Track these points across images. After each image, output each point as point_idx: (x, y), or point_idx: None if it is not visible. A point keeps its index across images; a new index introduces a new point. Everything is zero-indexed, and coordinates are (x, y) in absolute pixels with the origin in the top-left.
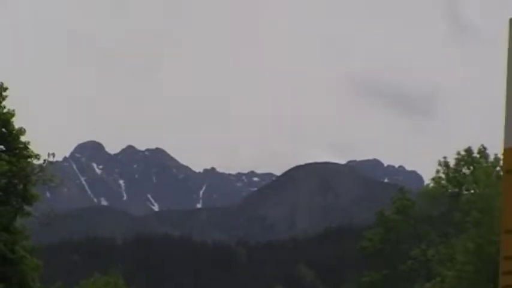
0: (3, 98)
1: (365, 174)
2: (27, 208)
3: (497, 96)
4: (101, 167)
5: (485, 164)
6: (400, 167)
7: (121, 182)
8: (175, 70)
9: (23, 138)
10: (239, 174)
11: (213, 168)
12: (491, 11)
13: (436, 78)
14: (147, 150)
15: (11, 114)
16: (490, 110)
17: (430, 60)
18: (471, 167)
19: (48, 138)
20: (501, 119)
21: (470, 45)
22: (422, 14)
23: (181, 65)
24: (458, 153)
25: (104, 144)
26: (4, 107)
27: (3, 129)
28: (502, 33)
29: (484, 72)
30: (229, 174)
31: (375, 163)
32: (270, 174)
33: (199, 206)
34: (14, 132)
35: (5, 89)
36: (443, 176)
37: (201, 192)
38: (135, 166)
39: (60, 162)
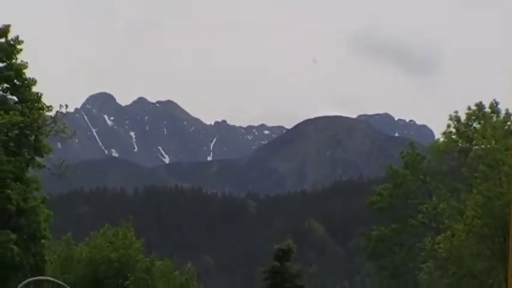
0: (18, 52)
1: (375, 128)
2: (38, 159)
3: (505, 51)
4: (112, 118)
5: (495, 119)
6: (410, 121)
7: (132, 133)
8: (185, 22)
9: (34, 89)
10: (250, 127)
11: (224, 121)
12: None
13: (440, 34)
14: (158, 102)
15: (24, 65)
16: (501, 65)
17: (434, 15)
18: (482, 122)
19: (59, 90)
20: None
21: (474, 6)
22: None
23: (192, 16)
24: (469, 108)
25: (115, 96)
26: (17, 59)
27: (16, 81)
28: None
29: (491, 29)
30: (240, 127)
31: (386, 117)
32: (281, 128)
33: (209, 158)
34: (26, 82)
35: (20, 42)
36: (454, 130)
37: (212, 145)
38: (146, 118)
39: (72, 113)
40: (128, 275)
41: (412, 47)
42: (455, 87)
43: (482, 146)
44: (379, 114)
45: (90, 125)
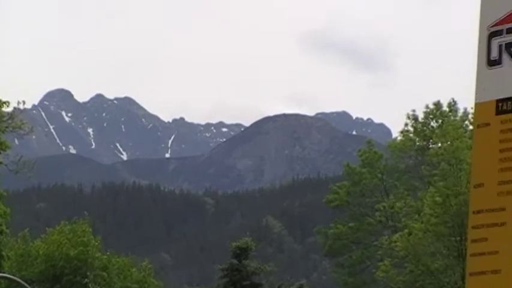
0: None
1: (333, 126)
2: None
3: (458, 51)
4: (69, 115)
5: (453, 118)
6: (368, 119)
7: (90, 130)
8: (144, 17)
9: None
10: (208, 125)
11: (181, 118)
12: None
13: (390, 31)
14: (116, 99)
15: None
16: (455, 63)
17: (382, 12)
18: (440, 121)
19: (17, 86)
20: (473, 73)
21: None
22: None
23: (150, 12)
24: (427, 107)
25: (73, 92)
26: None
27: None
28: None
29: (447, 25)
30: (198, 125)
31: (344, 115)
32: (239, 125)
33: (167, 155)
34: None
35: None
36: (411, 129)
37: (170, 142)
38: (104, 115)
39: (29, 109)
40: (88, 273)
41: (365, 45)
42: (411, 86)
43: (440, 145)
44: (337, 112)
45: (47, 122)
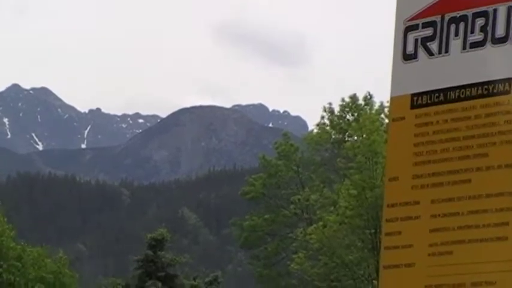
0: None
1: (250, 119)
2: None
3: (375, 45)
4: None
5: (369, 112)
6: (285, 112)
7: (5, 120)
8: (59, 7)
9: None
10: (124, 116)
11: (98, 109)
12: None
13: (306, 25)
14: (33, 89)
15: None
16: (372, 58)
17: (297, 6)
18: (355, 114)
19: None
20: (389, 67)
21: None
22: None
23: (65, 2)
24: (343, 100)
25: None
26: None
27: None
28: None
29: (358, 22)
30: (115, 115)
31: (260, 108)
32: (156, 116)
33: (83, 146)
34: None
35: None
36: (327, 122)
37: (86, 132)
38: (19, 104)
39: None
40: (1, 262)
41: (280, 38)
42: (328, 79)
43: (356, 138)
44: (253, 105)
45: None
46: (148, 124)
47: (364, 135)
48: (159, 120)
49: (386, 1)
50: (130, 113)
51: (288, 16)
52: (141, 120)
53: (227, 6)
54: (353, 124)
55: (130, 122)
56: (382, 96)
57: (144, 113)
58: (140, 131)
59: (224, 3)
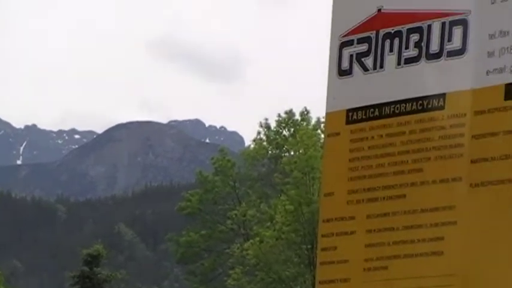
0: None
1: (187, 134)
2: None
3: (311, 61)
4: None
5: (306, 127)
6: (221, 127)
7: None
8: None
9: None
10: (60, 131)
11: (34, 125)
12: None
13: (240, 41)
14: None
15: None
16: (308, 73)
17: (233, 22)
18: (292, 129)
19: None
20: (325, 83)
21: (275, 10)
22: None
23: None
24: (279, 115)
25: None
26: None
27: None
28: None
29: (294, 37)
30: (51, 131)
31: (197, 123)
32: (92, 132)
33: (19, 162)
34: None
35: None
36: (264, 137)
37: (22, 148)
38: None
39: None
40: None
41: (215, 54)
42: (264, 95)
43: (292, 153)
44: (190, 120)
45: None
46: (84, 140)
47: (301, 151)
48: (95, 136)
49: (322, 17)
50: (66, 128)
51: (222, 31)
52: (77, 136)
53: (161, 22)
54: (290, 139)
55: (66, 137)
56: (319, 111)
57: (80, 128)
58: (76, 146)
59: (158, 18)
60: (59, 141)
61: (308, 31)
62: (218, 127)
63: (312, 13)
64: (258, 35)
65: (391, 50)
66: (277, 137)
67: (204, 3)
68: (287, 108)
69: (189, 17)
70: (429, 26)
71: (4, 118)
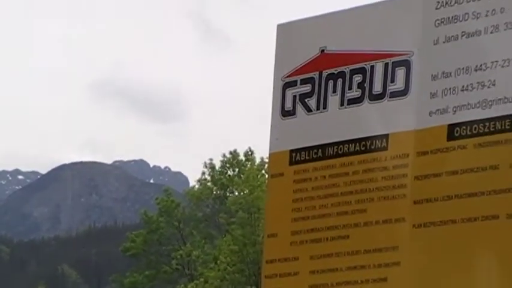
0: None
1: (131, 174)
2: None
3: (255, 100)
4: None
5: (250, 167)
6: (166, 167)
7: None
8: None
9: None
10: (3, 172)
11: None
12: (238, 19)
13: (181, 82)
14: None
15: None
16: (253, 113)
17: (176, 65)
18: (236, 170)
19: None
20: (268, 123)
21: (217, 51)
22: (167, 19)
23: None
24: (224, 156)
25: None
26: None
27: None
28: (259, 39)
29: (237, 78)
30: None
31: (141, 163)
32: (36, 173)
33: None
34: None
35: None
36: (208, 177)
37: None
38: None
39: None
40: None
41: (157, 95)
42: (208, 135)
43: (237, 193)
44: (134, 160)
45: None
46: (28, 180)
47: (246, 191)
48: (39, 177)
49: (265, 57)
50: (10, 169)
51: (164, 71)
52: (20, 177)
53: (102, 63)
54: (235, 179)
55: (10, 178)
56: (262, 152)
57: (23, 169)
58: (20, 187)
59: (98, 60)
60: (2, 182)
61: (252, 72)
62: (162, 167)
63: (256, 54)
64: (201, 75)
65: (334, 91)
66: (222, 177)
67: (146, 43)
68: (231, 149)
69: (132, 57)
70: (372, 67)
71: None
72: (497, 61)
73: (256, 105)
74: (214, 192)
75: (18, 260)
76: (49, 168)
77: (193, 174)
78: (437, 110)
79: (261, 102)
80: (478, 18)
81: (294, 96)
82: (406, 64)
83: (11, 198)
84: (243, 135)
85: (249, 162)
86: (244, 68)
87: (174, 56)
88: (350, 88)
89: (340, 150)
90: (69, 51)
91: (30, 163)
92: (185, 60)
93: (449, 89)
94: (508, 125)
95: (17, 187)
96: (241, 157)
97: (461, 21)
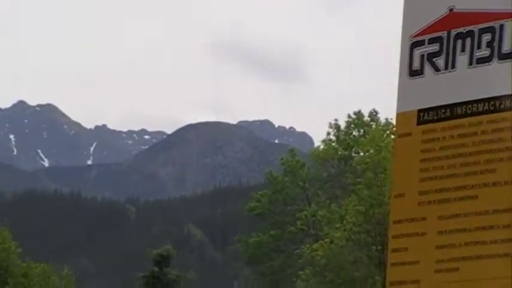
0: None
1: (256, 135)
2: None
3: (379, 61)
4: None
5: (375, 127)
6: (290, 128)
7: (11, 136)
8: (63, 25)
9: None
10: (130, 132)
11: (104, 125)
12: None
13: (305, 42)
14: (39, 105)
15: None
16: (377, 73)
17: (296, 23)
18: (361, 130)
19: None
20: (394, 83)
21: (339, 8)
22: None
23: (70, 21)
24: (349, 116)
25: None
26: None
27: None
28: None
29: (359, 36)
30: (120, 132)
31: (266, 124)
32: (161, 133)
33: (89, 162)
34: None
35: None
36: (333, 138)
37: (92, 149)
38: (25, 121)
39: None
40: (9, 280)
41: (279, 55)
42: (333, 96)
43: (362, 153)
44: (259, 121)
45: None
46: (154, 140)
47: (372, 151)
48: (165, 137)
49: (391, 16)
50: (136, 129)
51: (287, 32)
52: (147, 137)
53: (226, 23)
54: (360, 140)
55: (136, 138)
56: (387, 112)
57: (150, 129)
58: (146, 147)
59: (224, 21)
60: (129, 142)
61: (376, 31)
62: (287, 127)
63: (381, 13)
64: (322, 33)
65: (462, 50)
66: (347, 137)
67: (269, 4)
68: (355, 109)
69: (253, 17)
70: (501, 26)
71: (74, 119)
72: None
73: (381, 65)
74: (340, 153)
75: (145, 219)
76: (174, 129)
77: (318, 135)
78: None
79: (387, 62)
80: None
81: (422, 56)
82: None
83: (137, 158)
84: (368, 95)
85: (374, 123)
86: (368, 28)
87: (295, 15)
88: (479, 47)
89: (469, 109)
90: (195, 12)
91: (156, 123)
92: (306, 18)
93: None
94: None
95: (143, 147)
96: (366, 117)
97: None
